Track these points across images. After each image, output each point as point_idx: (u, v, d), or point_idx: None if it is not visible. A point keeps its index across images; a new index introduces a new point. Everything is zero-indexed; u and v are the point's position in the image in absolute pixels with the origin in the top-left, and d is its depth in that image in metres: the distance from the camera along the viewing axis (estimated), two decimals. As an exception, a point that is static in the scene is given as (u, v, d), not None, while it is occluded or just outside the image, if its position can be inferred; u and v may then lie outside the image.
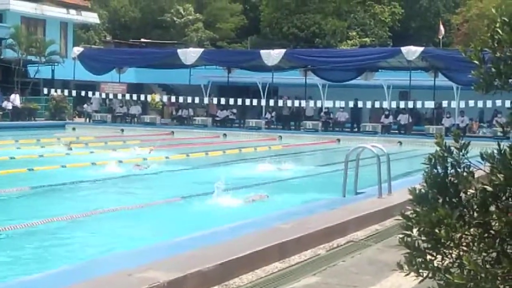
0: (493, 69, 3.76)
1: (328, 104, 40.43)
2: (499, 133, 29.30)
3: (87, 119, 44.46)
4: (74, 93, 43.43)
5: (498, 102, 33.14)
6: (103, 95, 44.18)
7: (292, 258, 8.31)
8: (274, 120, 42.60)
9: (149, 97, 44.24)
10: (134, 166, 20.77)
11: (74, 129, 39.62)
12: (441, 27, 52.78)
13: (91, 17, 56.96)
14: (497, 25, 3.74)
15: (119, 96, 43.83)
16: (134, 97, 43.47)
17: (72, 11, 53.55)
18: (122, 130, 39.24)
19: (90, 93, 43.59)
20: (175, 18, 67.00)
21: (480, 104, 34.90)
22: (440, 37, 52.95)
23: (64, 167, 19.88)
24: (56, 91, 43.23)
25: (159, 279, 6.33)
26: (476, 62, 3.82)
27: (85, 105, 44.95)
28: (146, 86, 50.11)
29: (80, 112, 46.30)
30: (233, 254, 7.53)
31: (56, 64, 45.29)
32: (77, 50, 45.03)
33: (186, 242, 8.54)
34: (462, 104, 36.69)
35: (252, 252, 7.79)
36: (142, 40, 61.15)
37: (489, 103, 34.50)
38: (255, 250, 7.85)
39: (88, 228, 12.01)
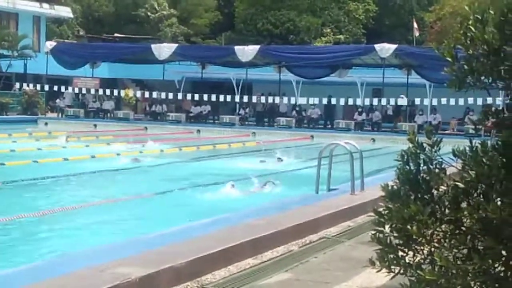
0: (465, 66, 3.78)
1: (302, 100, 40.47)
2: (471, 131, 29.57)
3: (60, 114, 44.09)
4: (46, 87, 43.08)
5: (470, 100, 33.39)
6: (76, 90, 43.88)
7: (265, 254, 8.30)
8: (248, 116, 42.60)
9: (122, 92, 44.00)
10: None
11: (46, 124, 39.27)
12: (415, 25, 53.08)
13: (64, 11, 56.47)
14: (470, 22, 3.75)
15: (92, 91, 43.55)
16: (108, 92, 43.19)
17: (45, 5, 53.06)
18: (95, 125, 38.98)
19: (63, 88, 43.27)
20: (149, 13, 66.60)
21: (452, 102, 35.13)
22: (417, 34, 53.24)
23: (36, 162, 19.71)
24: (28, 86, 42.83)
25: (132, 275, 6.29)
26: (449, 59, 3.84)
27: (57, 100, 44.57)
28: (120, 81, 49.83)
29: (52, 107, 45.90)
30: (206, 250, 7.50)
31: (28, 58, 44.86)
32: (50, 44, 44.67)
33: (159, 238, 8.50)
34: (435, 102, 36.95)
35: (225, 248, 7.77)
36: (116, 35, 60.69)
37: (461, 101, 34.74)
38: (228, 246, 7.83)
39: (59, 224, 11.92)
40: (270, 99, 41.00)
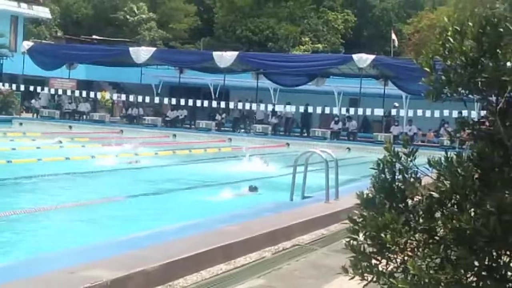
0: (443, 77, 3.79)
1: (279, 108, 40.56)
2: (446, 142, 29.79)
3: (35, 114, 43.79)
4: (22, 87, 42.75)
5: (446, 112, 33.65)
6: (52, 91, 43.60)
7: (238, 260, 8.28)
8: (224, 122, 42.61)
9: (99, 95, 43.79)
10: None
11: (21, 124, 38.95)
12: (394, 36, 53.49)
13: (43, 12, 56.13)
14: (449, 33, 3.77)
15: (68, 93, 43.27)
16: (84, 94, 42.97)
17: (23, 5, 52.72)
18: (70, 127, 38.71)
19: (39, 89, 42.97)
20: (128, 16, 66.47)
21: (428, 113, 35.37)
22: (396, 45, 53.64)
23: (10, 162, 19.54)
24: (3, 85, 42.47)
25: (102, 277, 6.24)
26: (427, 69, 3.85)
27: (33, 101, 44.28)
28: (96, 84, 49.58)
29: (28, 107, 45.59)
30: (178, 254, 7.47)
31: (4, 57, 44.53)
32: (27, 44, 44.39)
33: (131, 241, 8.45)
34: (411, 113, 37.17)
35: (198, 253, 7.74)
36: (94, 37, 60.47)
37: (437, 113, 34.99)
38: (200, 251, 7.80)
39: (30, 225, 11.81)
40: (247, 106, 41.02)
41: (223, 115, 42.39)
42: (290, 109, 40.40)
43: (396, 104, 38.99)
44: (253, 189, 16.49)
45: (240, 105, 41.53)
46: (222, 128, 41.64)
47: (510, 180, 3.55)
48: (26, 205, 13.07)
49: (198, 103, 41.08)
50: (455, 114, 31.18)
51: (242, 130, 41.37)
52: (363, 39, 70.75)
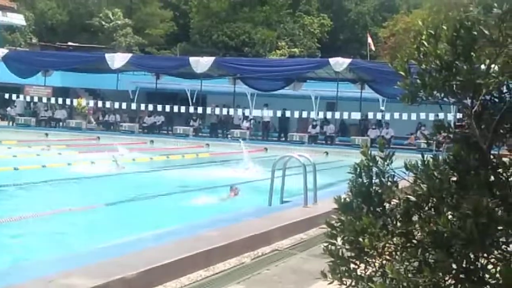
0: (418, 81, 3.81)
1: (256, 113, 40.60)
2: (422, 145, 29.93)
3: (11, 122, 43.47)
4: (-3, 95, 42.46)
5: (422, 115, 33.83)
6: (28, 98, 43.30)
7: (217, 266, 8.26)
8: (201, 127, 42.56)
9: (75, 102, 43.57)
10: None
11: (-4, 132, 38.62)
12: (370, 40, 53.77)
13: (17, 19, 55.80)
14: (423, 37, 3.79)
15: (44, 100, 43.00)
16: (60, 101, 42.71)
17: (-3, 12, 52.42)
18: (47, 134, 38.41)
19: (14, 96, 42.66)
20: (103, 23, 66.27)
21: (405, 116, 35.55)
22: (373, 48, 53.92)
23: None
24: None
25: (81, 286, 6.21)
26: (402, 73, 3.86)
27: (8, 108, 43.96)
28: (72, 90, 49.30)
29: (3, 115, 45.25)
30: (157, 261, 7.44)
31: (-21, 65, 44.17)
32: (2, 51, 44.09)
33: (109, 249, 8.41)
34: (388, 116, 37.34)
35: (177, 259, 7.71)
36: (69, 43, 60.18)
37: (413, 116, 35.17)
38: (179, 258, 7.77)
39: (7, 233, 11.71)
40: (225, 111, 41.00)
41: (198, 121, 42.26)
42: (267, 113, 40.41)
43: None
44: (234, 189, 16.57)
45: (217, 111, 41.51)
46: (200, 134, 41.58)
47: (486, 183, 3.57)
48: (2, 214, 12.95)
49: (175, 108, 41.01)
50: (431, 117, 31.32)
51: (220, 135, 41.34)
52: (339, 43, 71.07)
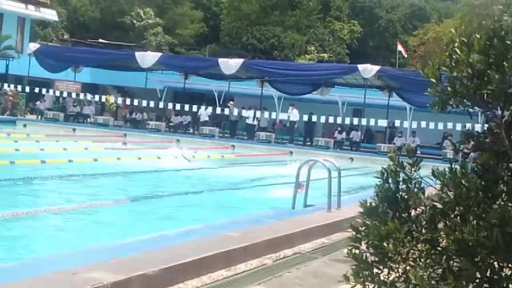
0: (449, 88, 3.80)
1: (283, 116, 40.58)
2: (448, 155, 29.78)
3: (39, 116, 43.83)
4: (27, 89, 42.79)
5: (450, 125, 33.61)
6: (57, 93, 43.60)
7: (238, 267, 8.28)
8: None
9: (103, 98, 43.83)
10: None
11: (25, 125, 38.94)
12: (400, 47, 53.58)
13: (50, 14, 56.25)
14: (456, 45, 3.78)
15: (73, 95, 43.31)
16: (89, 97, 43.00)
17: (31, 7, 52.84)
18: (74, 130, 38.68)
19: (44, 90, 42.99)
20: (134, 21, 66.61)
21: (431, 125, 35.34)
22: (405, 55, 53.74)
23: (13, 163, 19.55)
24: (9, 86, 42.53)
25: (103, 280, 6.25)
26: (433, 80, 3.86)
27: (38, 102, 44.32)
28: (101, 87, 49.60)
29: (32, 109, 45.63)
30: (179, 259, 7.47)
31: (11, 59, 44.59)
32: (34, 46, 44.41)
33: (132, 245, 8.47)
34: (414, 125, 37.12)
35: (198, 258, 7.74)
36: (100, 40, 60.57)
37: (440, 125, 34.95)
38: (201, 256, 7.80)
39: (34, 225, 11.84)
40: (251, 113, 40.99)
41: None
42: (294, 113, 40.24)
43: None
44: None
45: (243, 112, 41.46)
46: (226, 135, 41.66)
47: (513, 192, 3.56)
48: (29, 206, 13.07)
49: (202, 109, 41.10)
50: (458, 127, 31.13)
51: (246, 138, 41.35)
52: (368, 50, 70.88)
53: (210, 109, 40.91)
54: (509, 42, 3.65)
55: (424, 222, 3.72)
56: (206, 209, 15.19)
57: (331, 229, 11.14)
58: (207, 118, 41.54)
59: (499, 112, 3.78)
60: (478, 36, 3.74)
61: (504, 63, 3.67)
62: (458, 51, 3.77)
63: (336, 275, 4.56)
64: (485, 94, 3.73)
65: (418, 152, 37.18)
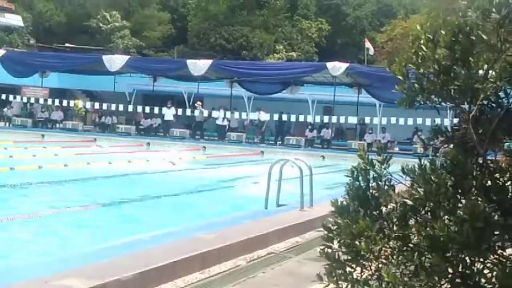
0: (416, 85, 3.82)
1: (253, 116, 40.61)
2: (419, 150, 29.97)
3: (7, 123, 43.41)
4: (-6, 96, 42.37)
5: (419, 120, 33.87)
6: (25, 99, 43.22)
7: (213, 269, 8.26)
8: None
9: (72, 103, 43.50)
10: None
11: (-8, 132, 38.49)
12: (368, 44, 53.83)
13: (15, 20, 55.81)
14: (422, 42, 3.80)
15: (41, 101, 42.94)
16: (57, 102, 42.67)
17: (-5, 13, 52.38)
18: (43, 136, 38.30)
19: (11, 97, 42.58)
20: (101, 24, 66.24)
21: (401, 121, 35.60)
22: (372, 52, 53.99)
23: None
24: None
25: (76, 287, 6.20)
26: (400, 77, 3.87)
27: (5, 109, 43.88)
28: (69, 92, 49.23)
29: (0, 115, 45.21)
30: (153, 263, 7.43)
31: (-24, 65, 44.09)
32: (-1, 52, 44.02)
33: (106, 250, 8.41)
34: (384, 121, 37.36)
35: (173, 261, 7.71)
36: (67, 45, 60.14)
37: (410, 121, 35.22)
38: (175, 260, 7.77)
39: (6, 234, 11.70)
40: (221, 114, 40.96)
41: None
42: (259, 114, 40.42)
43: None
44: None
45: (213, 113, 41.43)
46: (196, 137, 41.56)
47: (483, 187, 3.58)
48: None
49: (165, 108, 41.04)
50: (428, 122, 31.37)
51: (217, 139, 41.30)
52: (336, 47, 71.14)
53: (173, 108, 40.85)
54: (474, 38, 3.67)
55: (395, 219, 3.73)
56: (179, 212, 15.14)
57: (304, 227, 11.15)
58: (171, 118, 41.44)
59: (466, 107, 3.80)
60: (443, 32, 3.76)
61: (470, 58, 3.69)
62: (424, 48, 3.79)
63: (310, 274, 4.56)
64: (452, 90, 3.75)
65: (396, 148, 37.62)
